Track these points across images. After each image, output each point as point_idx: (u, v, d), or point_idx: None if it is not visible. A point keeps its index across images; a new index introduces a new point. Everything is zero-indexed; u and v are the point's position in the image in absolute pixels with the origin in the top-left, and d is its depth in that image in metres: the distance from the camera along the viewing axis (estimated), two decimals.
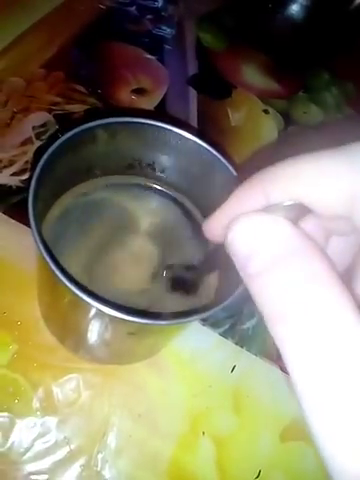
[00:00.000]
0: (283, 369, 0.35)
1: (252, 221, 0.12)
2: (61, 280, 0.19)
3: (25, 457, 0.28)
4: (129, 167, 0.28)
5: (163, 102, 0.43)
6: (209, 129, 0.43)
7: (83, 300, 0.19)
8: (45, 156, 0.22)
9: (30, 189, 0.21)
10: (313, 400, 0.11)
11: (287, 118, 0.46)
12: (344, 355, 0.11)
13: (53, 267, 0.19)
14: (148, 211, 0.28)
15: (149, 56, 0.45)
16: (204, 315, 0.20)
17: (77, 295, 0.19)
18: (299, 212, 0.13)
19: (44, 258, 0.19)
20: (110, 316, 0.20)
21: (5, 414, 0.28)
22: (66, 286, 0.19)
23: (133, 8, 0.48)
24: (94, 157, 0.26)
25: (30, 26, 0.42)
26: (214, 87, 0.46)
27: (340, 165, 0.13)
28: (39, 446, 0.28)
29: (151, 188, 0.29)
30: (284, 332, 0.11)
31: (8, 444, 0.28)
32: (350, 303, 0.11)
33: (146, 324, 0.20)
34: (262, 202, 0.13)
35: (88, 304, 0.19)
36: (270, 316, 0.12)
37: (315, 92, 0.50)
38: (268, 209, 0.13)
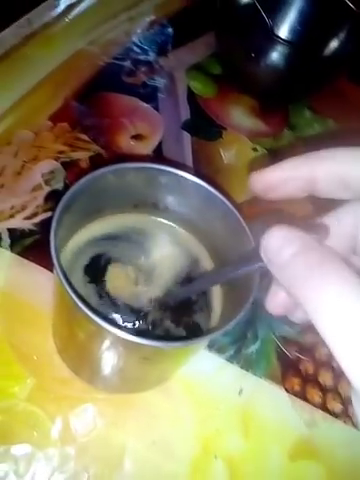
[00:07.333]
0: (288, 390, 0.36)
1: (282, 229, 0.17)
2: (80, 308, 0.21)
3: None
4: (135, 206, 0.31)
5: (160, 146, 0.47)
6: (204, 168, 0.47)
7: (102, 327, 0.21)
8: (64, 199, 0.24)
9: (52, 225, 0.23)
10: (339, 340, 0.15)
11: (274, 154, 0.50)
12: (354, 301, 0.15)
13: (72, 295, 0.21)
14: (154, 245, 0.31)
15: (145, 105, 0.49)
16: (214, 335, 0.22)
17: (96, 322, 0.21)
18: (321, 230, 0.17)
19: (64, 287, 0.21)
20: (127, 341, 0.22)
21: (25, 446, 0.30)
22: (85, 313, 0.21)
23: (128, 62, 0.52)
24: (104, 199, 0.29)
25: (36, 83, 0.46)
26: (206, 130, 0.50)
27: None
28: (59, 475, 0.29)
29: (155, 224, 0.31)
30: (309, 295, 0.15)
31: (29, 475, 0.29)
32: (350, 270, 0.15)
33: (162, 347, 0.22)
34: (307, 174, 0.18)
35: (106, 331, 0.21)
36: (297, 290, 0.16)
37: (299, 129, 0.54)
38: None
